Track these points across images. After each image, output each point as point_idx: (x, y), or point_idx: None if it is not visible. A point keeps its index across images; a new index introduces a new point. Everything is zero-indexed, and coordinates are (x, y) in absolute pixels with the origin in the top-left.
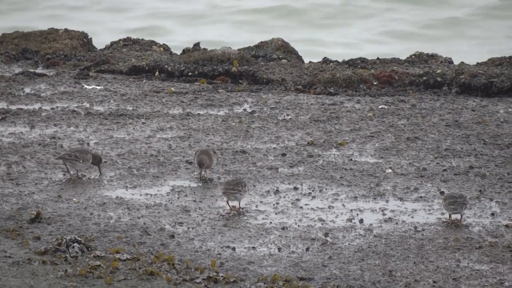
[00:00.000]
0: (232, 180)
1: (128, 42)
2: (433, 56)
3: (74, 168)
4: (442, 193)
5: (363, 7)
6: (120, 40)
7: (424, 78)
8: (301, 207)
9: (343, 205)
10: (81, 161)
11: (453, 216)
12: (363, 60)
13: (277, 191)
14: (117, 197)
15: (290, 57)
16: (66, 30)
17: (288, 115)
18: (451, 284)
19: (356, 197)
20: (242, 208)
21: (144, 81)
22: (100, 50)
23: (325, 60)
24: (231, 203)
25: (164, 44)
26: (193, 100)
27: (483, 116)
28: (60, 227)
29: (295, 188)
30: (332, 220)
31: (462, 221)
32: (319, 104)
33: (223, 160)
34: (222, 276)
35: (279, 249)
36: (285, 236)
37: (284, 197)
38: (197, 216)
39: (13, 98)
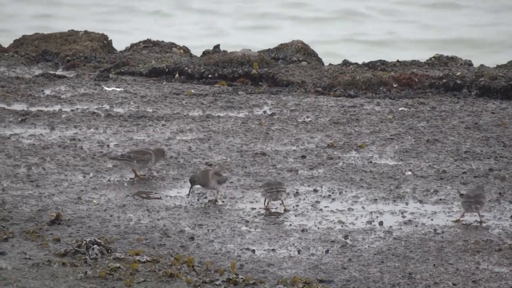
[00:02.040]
0: (273, 181)
1: (148, 44)
2: (452, 59)
3: (136, 168)
4: (462, 195)
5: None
6: (140, 42)
7: (444, 80)
8: (320, 209)
9: (362, 207)
10: (135, 162)
11: (467, 215)
12: (383, 62)
13: (297, 193)
14: (137, 199)
15: (310, 59)
16: (86, 32)
17: (308, 117)
18: (470, 287)
19: (375, 200)
20: (269, 209)
21: (164, 83)
22: (120, 52)
23: (345, 63)
24: (271, 203)
25: (184, 46)
26: (213, 102)
27: (502, 118)
28: (80, 229)
29: (315, 190)
30: (352, 223)
31: (480, 221)
32: (339, 106)
33: (243, 162)
34: (241, 278)
35: (299, 251)
36: (305, 239)
37: (304, 199)
38: (217, 218)
39: (33, 100)
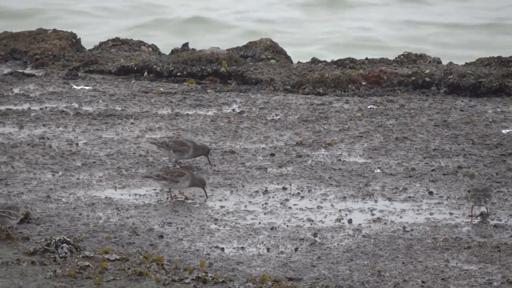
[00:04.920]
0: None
1: (116, 43)
2: (421, 56)
3: (171, 157)
4: (430, 193)
5: None
6: (108, 40)
7: (413, 78)
8: (290, 207)
9: (332, 205)
10: (171, 150)
11: (475, 209)
12: (351, 60)
13: (266, 191)
14: (106, 197)
15: (278, 57)
16: (54, 30)
17: (277, 115)
18: (439, 284)
19: (345, 197)
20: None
21: (133, 81)
22: (89, 50)
23: (314, 60)
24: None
25: (152, 44)
26: (182, 100)
27: (471, 116)
28: (49, 227)
29: (284, 188)
30: (321, 220)
31: (486, 214)
32: (308, 104)
33: (212, 160)
34: (211, 277)
35: (268, 250)
36: (274, 237)
37: (273, 197)
38: (186, 216)
39: (2, 99)
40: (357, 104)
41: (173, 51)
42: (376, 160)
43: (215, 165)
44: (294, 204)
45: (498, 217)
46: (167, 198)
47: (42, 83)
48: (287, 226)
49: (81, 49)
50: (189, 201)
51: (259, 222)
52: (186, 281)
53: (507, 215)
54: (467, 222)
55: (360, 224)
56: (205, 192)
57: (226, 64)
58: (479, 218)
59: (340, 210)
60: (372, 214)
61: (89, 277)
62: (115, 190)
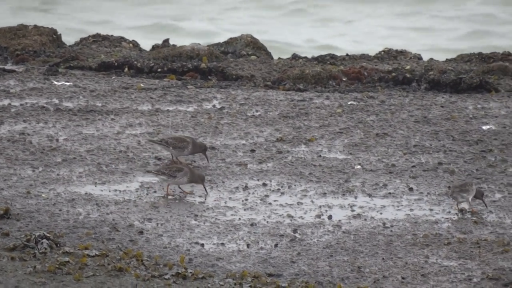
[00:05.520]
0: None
1: (97, 39)
2: (402, 52)
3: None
4: (411, 189)
5: None
6: (89, 36)
7: (393, 74)
8: (270, 203)
9: (312, 201)
10: (171, 148)
11: (460, 206)
12: (332, 56)
13: (246, 187)
14: (86, 193)
15: (259, 53)
16: (35, 26)
17: (257, 111)
18: (419, 280)
19: (325, 193)
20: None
21: (113, 77)
22: (69, 46)
23: (294, 57)
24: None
25: (133, 40)
26: (162, 96)
27: (452, 112)
28: (29, 223)
29: (264, 185)
30: (301, 216)
31: (463, 210)
32: (288, 100)
33: (193, 156)
34: (190, 272)
35: (248, 246)
36: (254, 233)
37: (253, 193)
38: (166, 212)
39: None
40: (338, 100)
41: (154, 47)
42: (356, 156)
43: (195, 161)
44: (274, 200)
45: (478, 214)
46: (147, 194)
47: (22, 79)
48: (267, 222)
49: (62, 45)
50: (170, 197)
51: (239, 218)
52: (166, 277)
53: (487, 211)
54: (447, 218)
55: (340, 220)
56: (205, 188)
57: (207, 60)
58: (458, 214)
59: (320, 206)
60: (352, 210)
61: (69, 273)
62: (95, 186)
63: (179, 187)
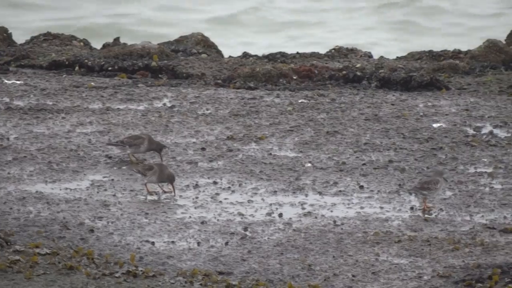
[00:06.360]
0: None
1: (48, 37)
2: (352, 50)
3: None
4: (361, 187)
5: None
6: (40, 35)
7: (344, 72)
8: (220, 202)
9: (262, 199)
10: (127, 146)
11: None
12: (283, 54)
13: (196, 186)
14: (36, 191)
15: (210, 52)
16: None
17: (207, 109)
18: (370, 278)
19: (275, 191)
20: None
21: (64, 76)
22: (20, 45)
23: (245, 55)
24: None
25: (84, 38)
26: (113, 94)
27: (402, 110)
28: None
29: (215, 183)
30: (252, 215)
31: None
32: (239, 98)
33: (143, 155)
34: (141, 271)
35: (199, 244)
36: (205, 231)
37: (204, 191)
38: (117, 211)
39: None
40: (288, 98)
41: (105, 46)
42: (307, 154)
43: (146, 160)
44: (225, 198)
45: (428, 211)
46: (97, 192)
47: None
48: (218, 220)
49: (13, 43)
50: (120, 195)
51: (190, 216)
52: (117, 275)
53: (437, 208)
54: (398, 216)
55: (290, 218)
56: (173, 188)
57: (157, 59)
58: (409, 211)
59: (270, 204)
60: (303, 208)
61: (19, 271)
62: (46, 185)
63: (159, 186)
